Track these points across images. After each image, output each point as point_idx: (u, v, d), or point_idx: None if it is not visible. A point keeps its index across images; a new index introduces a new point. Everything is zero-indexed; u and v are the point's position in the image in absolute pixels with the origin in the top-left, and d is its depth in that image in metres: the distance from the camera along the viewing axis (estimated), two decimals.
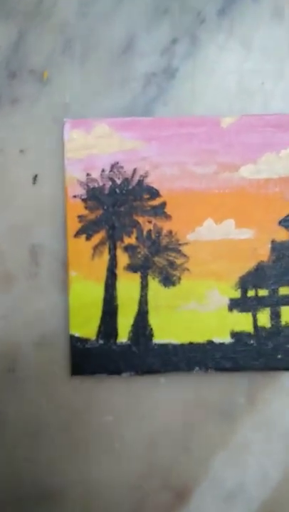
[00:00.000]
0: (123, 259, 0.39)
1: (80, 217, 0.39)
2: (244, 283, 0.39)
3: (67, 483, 0.39)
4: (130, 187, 0.39)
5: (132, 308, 0.38)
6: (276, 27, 0.40)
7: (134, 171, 0.39)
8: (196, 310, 0.38)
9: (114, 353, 0.38)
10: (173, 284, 0.39)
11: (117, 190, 0.39)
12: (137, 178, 0.39)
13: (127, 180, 0.39)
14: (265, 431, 0.39)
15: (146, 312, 0.38)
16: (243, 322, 0.38)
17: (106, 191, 0.39)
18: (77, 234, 0.39)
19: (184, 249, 0.39)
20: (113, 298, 0.39)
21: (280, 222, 0.39)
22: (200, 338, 0.38)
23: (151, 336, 0.38)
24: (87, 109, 0.40)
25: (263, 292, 0.39)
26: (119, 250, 0.39)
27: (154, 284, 0.39)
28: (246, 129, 0.39)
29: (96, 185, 0.39)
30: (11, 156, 0.40)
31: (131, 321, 0.38)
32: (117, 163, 0.39)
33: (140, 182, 0.39)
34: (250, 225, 0.39)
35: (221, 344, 0.38)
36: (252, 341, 0.38)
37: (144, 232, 0.39)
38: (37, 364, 0.39)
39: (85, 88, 0.40)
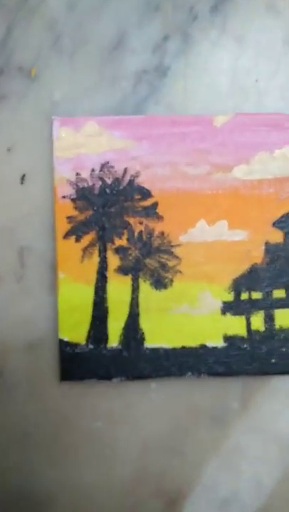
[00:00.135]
0: (114, 261, 0.38)
1: (69, 218, 0.38)
2: (237, 285, 0.38)
3: (57, 489, 0.38)
4: (121, 187, 0.38)
5: (123, 312, 0.38)
6: (270, 23, 0.40)
7: (125, 170, 0.38)
8: (189, 313, 0.38)
9: (105, 358, 0.38)
10: (165, 286, 0.38)
11: (108, 191, 0.38)
12: (127, 178, 0.38)
13: (117, 180, 0.38)
14: (259, 436, 0.39)
15: (138, 315, 0.38)
16: (236, 326, 0.38)
17: (96, 191, 0.38)
18: (67, 235, 0.38)
19: (176, 250, 0.38)
20: (103, 301, 0.38)
21: (274, 224, 0.38)
22: (192, 342, 0.38)
23: (142, 340, 0.38)
24: (77, 107, 0.39)
25: (256, 295, 0.38)
26: (109, 252, 0.38)
27: (145, 287, 0.38)
28: (240, 128, 0.38)
29: (86, 185, 0.38)
30: None
31: (122, 324, 0.38)
32: (108, 162, 0.38)
33: (131, 182, 0.38)
34: (244, 226, 0.38)
35: (214, 348, 0.38)
36: (245, 345, 0.38)
37: (136, 234, 0.38)
38: (25, 369, 0.38)
39: (74, 85, 0.39)
